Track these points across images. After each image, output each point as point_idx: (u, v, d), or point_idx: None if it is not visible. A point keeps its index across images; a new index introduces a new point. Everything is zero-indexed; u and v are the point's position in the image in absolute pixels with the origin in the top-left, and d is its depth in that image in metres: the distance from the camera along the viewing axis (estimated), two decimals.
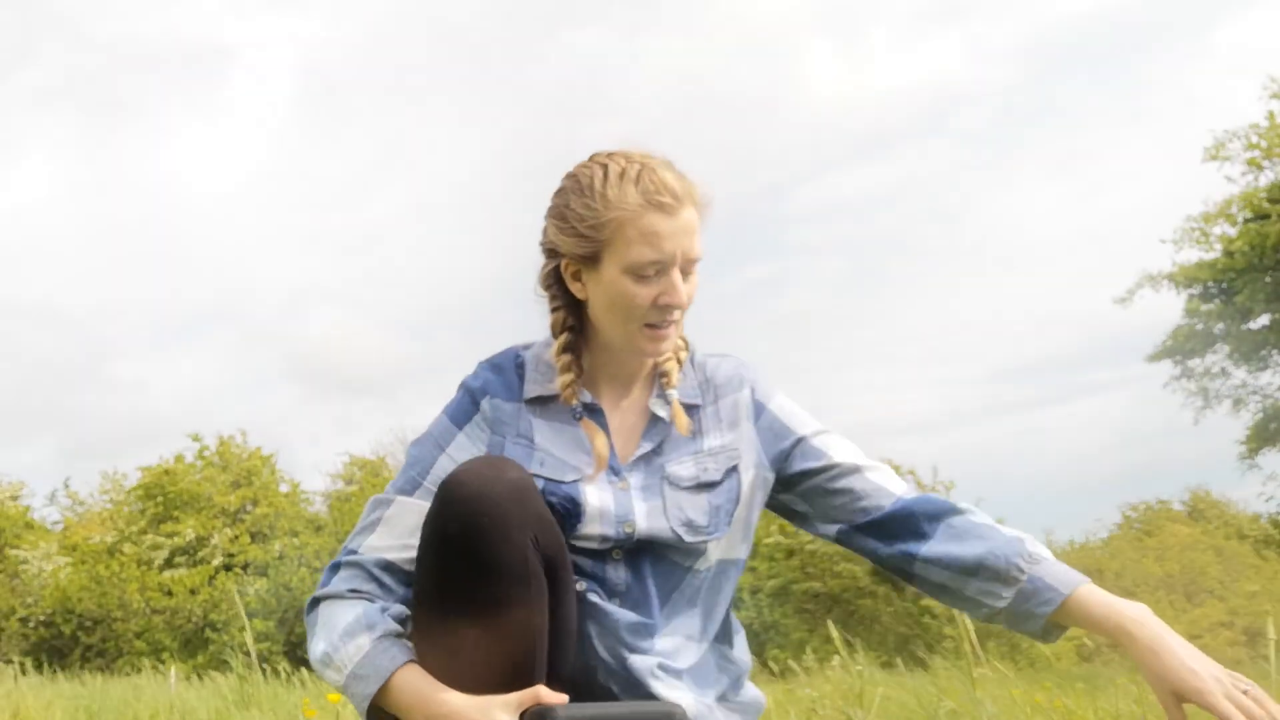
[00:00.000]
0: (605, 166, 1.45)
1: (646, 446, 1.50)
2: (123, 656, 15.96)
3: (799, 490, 1.54)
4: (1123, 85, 37.13)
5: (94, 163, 36.84)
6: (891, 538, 1.49)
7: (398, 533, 1.43)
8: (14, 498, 20.14)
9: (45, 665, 12.07)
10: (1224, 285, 19.08)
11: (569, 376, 1.49)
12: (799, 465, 1.52)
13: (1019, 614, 1.41)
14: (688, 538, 1.45)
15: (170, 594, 17.01)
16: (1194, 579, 20.62)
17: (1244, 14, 35.14)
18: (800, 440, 1.53)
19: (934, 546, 1.46)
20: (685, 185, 1.44)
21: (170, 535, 17.91)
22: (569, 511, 1.43)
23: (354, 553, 1.44)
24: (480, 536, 1.28)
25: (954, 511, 1.48)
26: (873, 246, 38.21)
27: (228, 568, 17.82)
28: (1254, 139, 18.50)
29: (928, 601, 15.66)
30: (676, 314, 1.46)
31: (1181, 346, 20.15)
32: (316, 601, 1.45)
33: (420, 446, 1.51)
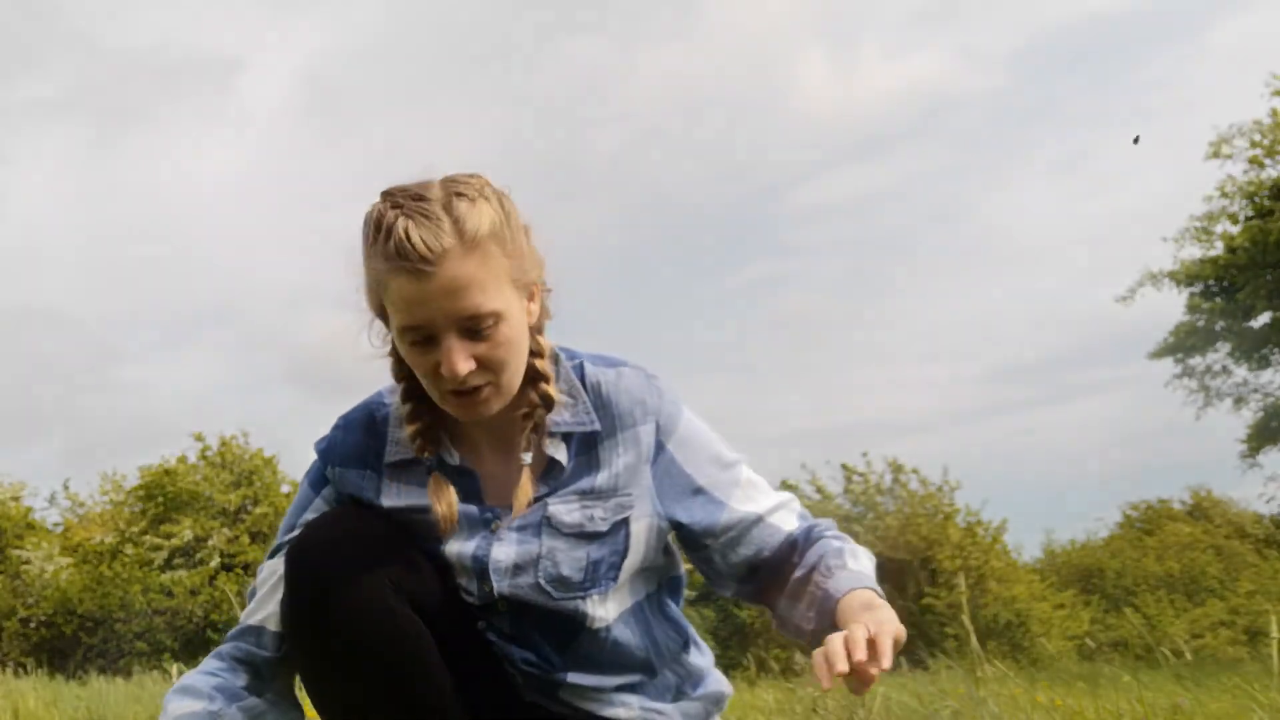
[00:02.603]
0: (369, 214, 1.26)
1: (543, 490, 1.34)
2: (124, 657, 15.97)
3: (701, 547, 1.40)
4: (1120, 85, 37.08)
5: (99, 169, 36.92)
6: (775, 572, 1.38)
7: (264, 595, 1.37)
8: (15, 498, 20.14)
9: (46, 666, 12.08)
10: (1225, 283, 19.05)
11: (416, 427, 1.34)
12: (697, 519, 1.37)
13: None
14: (555, 593, 1.32)
15: (171, 595, 17.01)
16: (1194, 578, 20.60)
17: (1240, 14, 35.13)
18: (698, 492, 1.37)
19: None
20: (442, 234, 1.20)
21: (168, 536, 17.91)
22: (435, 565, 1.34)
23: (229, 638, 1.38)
24: (335, 602, 1.22)
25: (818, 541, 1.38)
26: (872, 247, 38.20)
27: (227, 568, 17.82)
28: (1256, 136, 18.47)
29: (929, 601, 15.66)
30: (476, 380, 1.25)
31: (1183, 344, 20.11)
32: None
33: (286, 517, 1.44)
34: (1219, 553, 21.52)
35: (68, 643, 16.72)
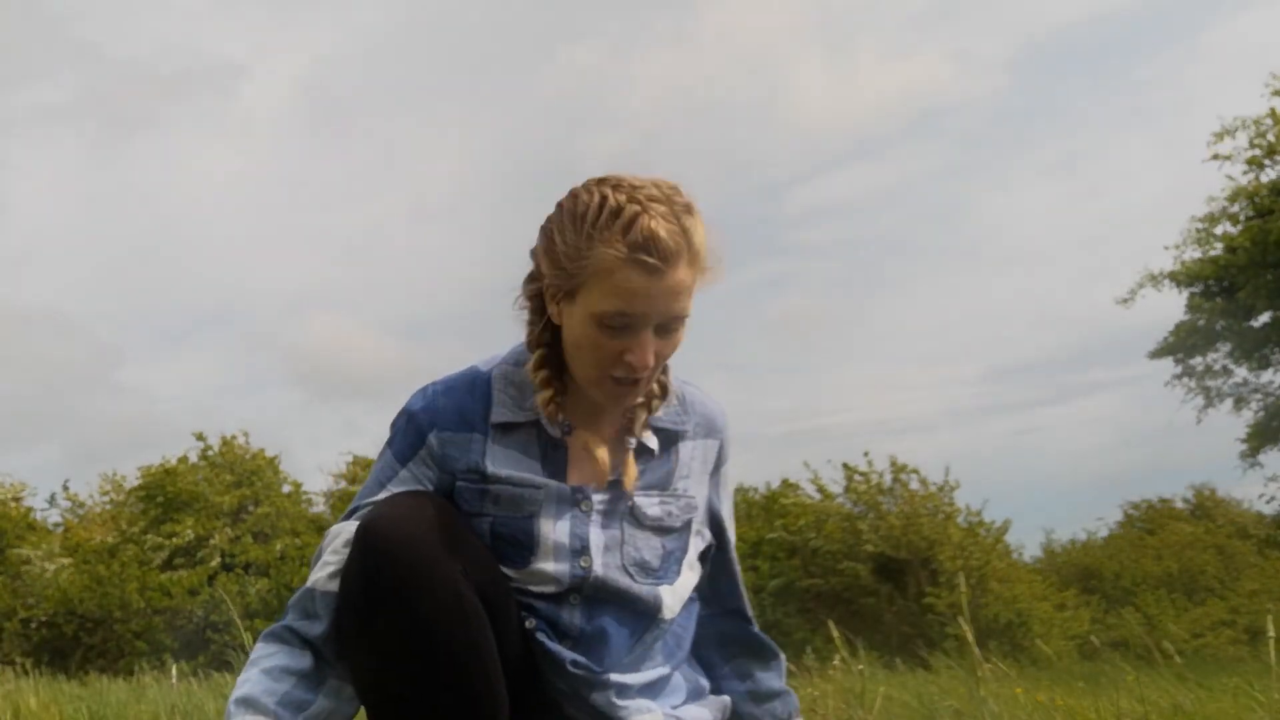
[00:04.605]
0: (603, 200, 1.29)
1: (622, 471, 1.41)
2: (124, 657, 15.95)
3: None
4: (1119, 86, 37.11)
5: (103, 173, 37.03)
6: (710, 644, 1.55)
7: (327, 559, 1.35)
8: (16, 499, 20.13)
9: (47, 666, 12.07)
10: (1226, 283, 19.02)
11: (548, 393, 1.38)
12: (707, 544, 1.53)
13: None
14: (639, 579, 1.38)
15: (170, 595, 17.00)
16: (1194, 578, 20.58)
17: (1239, 14, 35.11)
18: (718, 526, 1.54)
19: (728, 681, 1.55)
20: (681, 240, 1.28)
21: (169, 536, 17.89)
22: (522, 545, 1.35)
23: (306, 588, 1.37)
24: (406, 578, 1.21)
25: (764, 662, 1.56)
26: (872, 247, 38.20)
27: (228, 568, 17.81)
28: (1255, 135, 18.42)
29: (930, 600, 15.63)
30: (643, 371, 1.33)
31: (1183, 344, 20.08)
32: (271, 634, 1.36)
33: (366, 484, 1.42)
34: (1220, 552, 21.48)
35: (68, 643, 16.72)
